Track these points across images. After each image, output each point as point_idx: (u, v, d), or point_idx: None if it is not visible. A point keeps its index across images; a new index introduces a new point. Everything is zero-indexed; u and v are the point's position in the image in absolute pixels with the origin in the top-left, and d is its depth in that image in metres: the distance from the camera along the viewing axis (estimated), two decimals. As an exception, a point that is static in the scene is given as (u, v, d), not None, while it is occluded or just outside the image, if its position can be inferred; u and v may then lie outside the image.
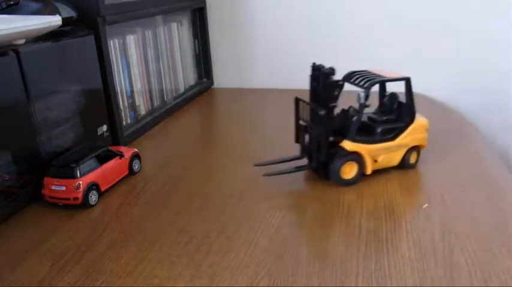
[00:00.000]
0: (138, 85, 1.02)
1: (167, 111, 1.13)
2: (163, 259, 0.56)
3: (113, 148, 0.78)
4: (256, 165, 0.78)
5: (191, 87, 1.31)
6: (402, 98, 0.77)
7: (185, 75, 1.27)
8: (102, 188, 0.72)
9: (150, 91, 1.08)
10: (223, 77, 1.43)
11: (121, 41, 0.95)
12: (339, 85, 0.71)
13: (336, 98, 0.71)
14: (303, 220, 0.63)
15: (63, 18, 0.72)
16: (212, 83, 1.42)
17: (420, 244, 0.56)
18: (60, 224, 0.65)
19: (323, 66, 0.72)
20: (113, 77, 0.90)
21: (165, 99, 1.16)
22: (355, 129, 0.71)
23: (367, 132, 0.74)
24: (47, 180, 0.69)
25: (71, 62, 0.78)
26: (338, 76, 0.72)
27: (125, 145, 0.91)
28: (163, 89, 1.14)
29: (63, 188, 0.68)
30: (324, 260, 0.54)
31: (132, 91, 1.00)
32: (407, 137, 0.75)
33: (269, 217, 0.65)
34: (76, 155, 0.72)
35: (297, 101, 0.76)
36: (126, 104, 0.98)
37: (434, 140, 0.90)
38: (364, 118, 0.77)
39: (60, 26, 0.71)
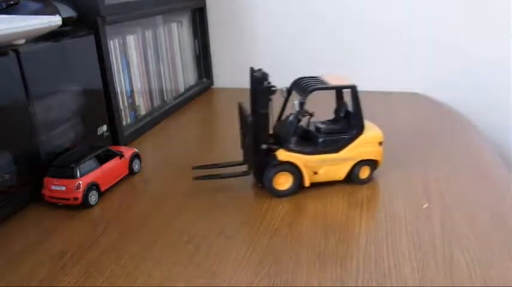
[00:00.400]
0: (138, 85, 1.02)
1: (167, 111, 1.13)
2: (163, 259, 0.56)
3: (113, 148, 0.78)
4: (194, 168, 0.75)
5: (191, 87, 1.31)
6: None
7: (185, 75, 1.27)
8: (102, 188, 0.72)
9: (150, 91, 1.08)
10: (223, 77, 1.43)
11: (121, 41, 0.95)
12: (271, 91, 0.67)
13: (267, 104, 0.67)
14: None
15: (63, 18, 0.72)
16: (212, 83, 1.42)
17: (420, 244, 0.56)
18: (60, 224, 0.65)
19: (259, 70, 0.68)
20: (112, 77, 0.90)
21: (165, 99, 1.16)
22: (290, 138, 0.69)
23: (311, 142, 0.71)
24: (47, 180, 0.69)
25: (71, 62, 0.78)
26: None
27: (125, 145, 0.91)
28: (163, 89, 1.14)
29: (63, 188, 0.68)
30: (324, 260, 0.54)
31: (132, 91, 1.00)
32: (354, 150, 0.70)
33: (269, 217, 0.65)
34: (76, 155, 0.72)
35: (240, 106, 0.72)
36: (126, 104, 0.98)
37: (434, 140, 0.90)
38: (312, 127, 0.73)
39: (60, 26, 0.71)
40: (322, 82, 0.70)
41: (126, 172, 0.79)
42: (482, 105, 1.22)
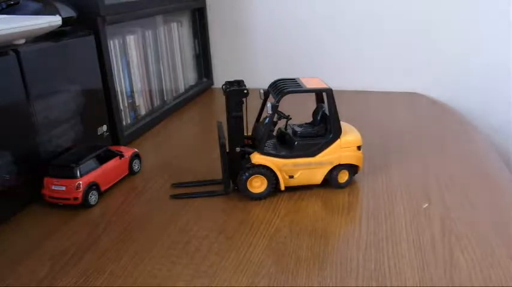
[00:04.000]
0: (138, 85, 1.02)
1: (167, 111, 1.13)
2: (163, 259, 0.56)
3: (113, 148, 0.78)
4: (174, 185, 0.75)
5: (191, 87, 1.31)
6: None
7: (185, 75, 1.27)
8: (102, 188, 0.72)
9: (150, 91, 1.08)
10: (223, 77, 1.43)
11: (121, 41, 0.95)
12: (243, 93, 0.67)
13: (240, 106, 0.67)
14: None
15: (63, 18, 0.72)
16: (212, 83, 1.42)
17: (420, 244, 0.56)
18: (60, 224, 0.65)
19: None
20: (113, 77, 0.90)
21: (165, 99, 1.16)
22: (264, 141, 0.68)
23: (287, 145, 0.70)
24: (47, 180, 0.69)
25: (71, 62, 0.78)
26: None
27: (125, 145, 0.91)
28: (163, 89, 1.14)
29: (63, 188, 0.68)
30: (324, 260, 0.54)
31: (132, 91, 1.00)
32: (331, 155, 0.69)
33: (269, 216, 0.65)
34: (76, 155, 0.72)
35: (218, 127, 0.72)
36: (126, 104, 0.98)
37: (434, 140, 0.90)
38: (290, 130, 0.72)
39: (60, 26, 0.71)
40: (298, 85, 0.69)
41: (126, 172, 0.79)
42: (482, 105, 1.22)
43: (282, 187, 0.69)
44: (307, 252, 0.56)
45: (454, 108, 1.15)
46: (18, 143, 0.68)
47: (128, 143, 0.94)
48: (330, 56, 1.32)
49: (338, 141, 0.69)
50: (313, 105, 0.74)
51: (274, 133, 0.73)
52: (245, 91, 0.67)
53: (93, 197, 0.70)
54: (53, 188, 0.69)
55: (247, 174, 0.68)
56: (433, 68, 1.24)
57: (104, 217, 0.67)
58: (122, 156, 0.77)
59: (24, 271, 0.55)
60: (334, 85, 1.30)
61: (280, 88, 0.68)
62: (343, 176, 0.71)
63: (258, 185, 0.69)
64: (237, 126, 0.68)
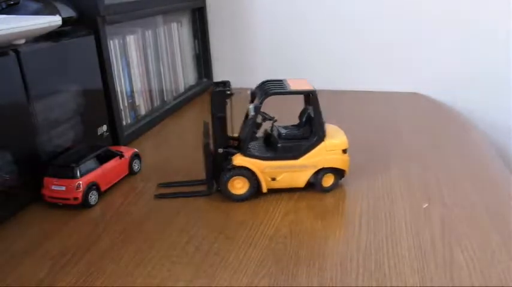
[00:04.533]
0: (138, 85, 1.02)
1: (167, 111, 1.13)
2: (163, 259, 0.56)
3: (113, 148, 0.78)
4: (160, 185, 0.75)
5: (191, 87, 1.31)
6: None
7: (185, 75, 1.27)
8: (102, 188, 0.72)
9: (150, 91, 1.08)
10: (223, 77, 1.42)
11: (121, 41, 0.95)
12: (225, 95, 0.66)
13: (223, 107, 0.67)
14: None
15: (63, 18, 0.72)
16: (212, 83, 1.42)
17: (420, 244, 0.56)
18: (60, 224, 0.65)
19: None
20: (113, 77, 0.90)
21: (165, 99, 1.16)
22: (246, 143, 0.68)
23: (271, 147, 0.70)
24: (47, 180, 0.69)
25: (71, 62, 0.78)
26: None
27: (125, 145, 0.91)
28: (163, 89, 1.14)
29: (63, 188, 0.68)
30: (324, 260, 0.54)
31: (132, 91, 1.00)
32: (314, 158, 0.68)
33: (269, 216, 0.65)
34: (76, 155, 0.72)
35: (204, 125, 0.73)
36: (126, 104, 0.98)
37: (434, 140, 0.90)
38: (276, 132, 0.71)
39: (60, 26, 0.71)
40: (283, 86, 0.68)
41: (126, 172, 0.78)
42: (482, 105, 1.22)
43: (264, 189, 0.69)
44: (307, 252, 0.56)
45: (454, 108, 1.15)
46: (18, 143, 0.68)
47: (127, 143, 0.94)
48: (330, 56, 1.32)
49: (322, 144, 0.68)
50: (302, 107, 0.74)
51: (261, 134, 0.73)
52: (228, 92, 0.67)
53: (93, 197, 0.70)
54: (53, 188, 0.69)
55: (227, 175, 0.67)
56: (433, 68, 1.24)
57: (104, 217, 0.67)
58: (121, 156, 0.77)
59: (24, 271, 0.55)
60: (334, 85, 1.32)
61: (265, 89, 0.68)
62: (328, 180, 0.70)
63: (239, 186, 0.68)
64: (220, 127, 0.68)
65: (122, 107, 0.95)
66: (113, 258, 0.57)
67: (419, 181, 0.73)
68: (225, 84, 0.69)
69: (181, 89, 1.25)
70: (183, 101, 1.22)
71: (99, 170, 0.72)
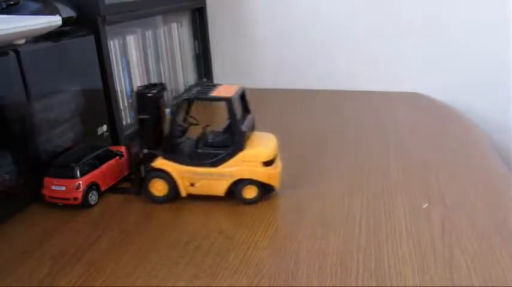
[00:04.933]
0: (138, 85, 1.02)
1: (167, 111, 1.13)
2: (163, 259, 0.56)
3: (113, 148, 0.78)
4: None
5: (191, 87, 1.31)
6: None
7: (185, 75, 1.27)
8: (102, 188, 0.72)
9: (150, 91, 1.08)
10: (223, 77, 1.43)
11: (121, 41, 0.95)
12: (146, 97, 0.67)
13: (147, 109, 0.67)
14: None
15: (63, 18, 0.72)
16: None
17: (420, 244, 0.56)
18: (60, 224, 0.65)
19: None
20: (113, 77, 0.90)
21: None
22: (166, 145, 0.68)
23: (194, 153, 0.69)
24: (47, 180, 0.69)
25: (71, 62, 0.78)
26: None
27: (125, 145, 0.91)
28: (163, 89, 1.14)
29: (63, 188, 0.68)
30: (324, 260, 0.54)
31: (132, 91, 1.00)
32: (232, 167, 0.66)
33: (269, 216, 0.65)
34: (76, 155, 0.72)
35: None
36: (126, 104, 0.98)
37: (434, 140, 0.90)
38: (204, 138, 0.70)
39: (60, 26, 0.71)
40: (203, 92, 0.67)
41: (126, 172, 0.78)
42: (482, 105, 1.22)
43: (183, 194, 0.68)
44: (307, 252, 0.56)
45: (454, 108, 1.15)
46: (18, 143, 0.68)
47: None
48: (330, 56, 1.32)
49: (240, 154, 0.66)
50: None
51: (195, 138, 0.72)
52: (149, 95, 0.67)
53: (93, 197, 0.70)
54: (53, 188, 0.69)
55: (148, 177, 0.68)
56: (433, 68, 1.24)
57: (103, 217, 0.67)
58: (121, 156, 0.77)
59: (24, 271, 0.55)
60: (334, 85, 1.32)
61: (183, 95, 0.68)
62: (251, 192, 0.67)
63: (160, 188, 0.69)
64: (144, 128, 0.68)
65: (122, 107, 0.95)
66: (113, 258, 0.57)
67: (419, 181, 0.73)
68: (157, 85, 0.69)
69: (181, 89, 1.25)
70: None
71: (99, 170, 0.72)
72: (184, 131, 0.71)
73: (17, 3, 0.72)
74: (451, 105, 1.18)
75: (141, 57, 1.03)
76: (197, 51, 1.35)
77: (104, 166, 0.73)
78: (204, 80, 1.38)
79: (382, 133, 0.95)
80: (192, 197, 0.70)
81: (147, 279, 0.52)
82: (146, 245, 0.59)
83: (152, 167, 0.68)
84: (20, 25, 0.62)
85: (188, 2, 1.24)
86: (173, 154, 0.68)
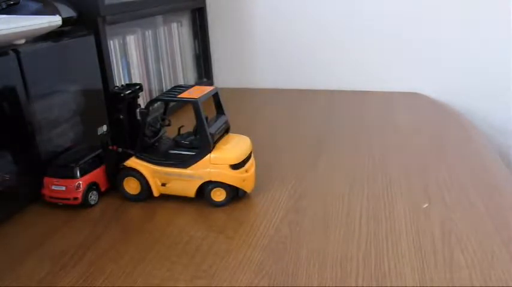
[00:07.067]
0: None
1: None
2: (163, 259, 0.56)
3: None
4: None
5: (191, 87, 1.31)
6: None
7: (185, 75, 1.27)
8: (102, 188, 0.72)
9: (150, 91, 1.08)
10: (223, 77, 1.43)
11: (121, 41, 0.95)
12: (119, 97, 0.69)
13: (119, 109, 0.69)
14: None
15: (63, 18, 0.72)
16: (212, 83, 1.42)
17: (420, 244, 0.56)
18: (60, 224, 0.65)
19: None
20: (112, 77, 0.90)
21: (165, 99, 1.15)
22: (139, 145, 0.69)
23: (166, 153, 0.70)
24: (47, 180, 0.69)
25: (71, 62, 0.78)
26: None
27: (125, 145, 0.91)
28: (163, 89, 1.14)
29: (63, 188, 0.68)
30: (324, 260, 0.54)
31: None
32: (201, 169, 0.66)
33: (269, 216, 0.65)
34: (76, 155, 0.72)
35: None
36: (126, 104, 0.98)
37: (434, 140, 0.90)
38: (178, 138, 0.70)
39: (60, 26, 0.71)
40: (173, 94, 0.68)
41: (126, 172, 0.78)
42: (482, 105, 1.22)
43: (155, 193, 0.69)
44: (307, 252, 0.56)
45: (454, 109, 1.15)
46: (18, 143, 0.68)
47: (127, 143, 0.94)
48: (330, 56, 1.32)
49: (208, 156, 0.66)
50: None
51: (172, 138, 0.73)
52: (121, 95, 0.69)
53: (93, 197, 0.70)
54: (53, 188, 0.69)
55: (121, 175, 0.70)
56: (433, 68, 1.25)
57: (103, 217, 0.67)
58: (121, 156, 0.77)
59: (24, 271, 0.55)
60: (334, 85, 1.32)
61: (156, 96, 0.69)
62: (219, 195, 0.67)
63: (134, 187, 0.70)
64: (119, 127, 0.70)
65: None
66: (113, 258, 0.57)
67: (419, 181, 0.73)
68: (133, 86, 0.71)
69: (181, 89, 1.25)
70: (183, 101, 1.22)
71: (99, 170, 0.72)
72: (157, 132, 0.72)
73: (17, 3, 0.72)
74: (451, 106, 1.18)
75: (141, 57, 1.03)
76: (197, 51, 1.35)
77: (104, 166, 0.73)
78: (205, 80, 1.38)
79: (382, 133, 0.95)
80: (192, 197, 0.70)
81: (147, 279, 0.52)
82: (146, 245, 0.59)
83: (124, 165, 0.70)
84: (20, 25, 0.62)
85: (188, 2, 1.24)
86: (146, 154, 0.69)
